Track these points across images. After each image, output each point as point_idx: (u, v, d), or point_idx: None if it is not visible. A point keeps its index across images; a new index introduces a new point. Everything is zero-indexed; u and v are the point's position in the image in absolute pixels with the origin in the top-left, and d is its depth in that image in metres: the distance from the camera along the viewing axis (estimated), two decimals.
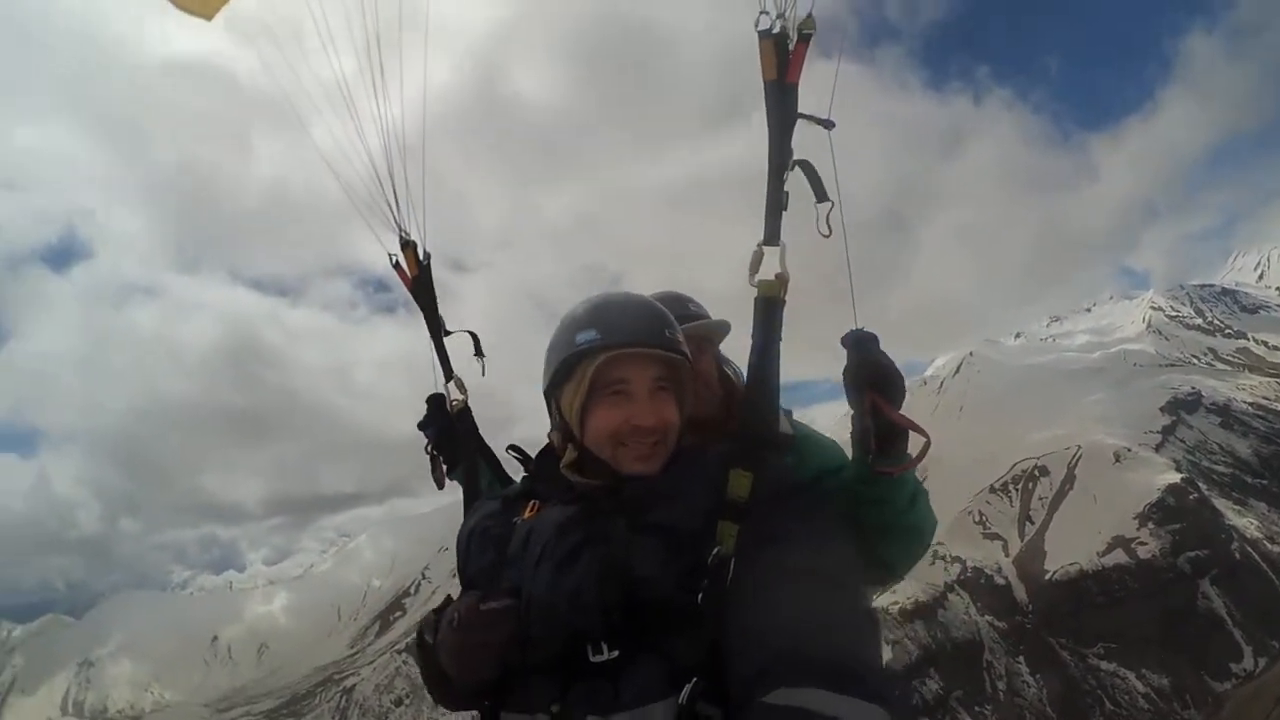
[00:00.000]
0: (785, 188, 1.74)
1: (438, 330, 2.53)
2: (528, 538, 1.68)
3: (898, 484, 1.78)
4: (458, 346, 2.58)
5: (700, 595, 1.43)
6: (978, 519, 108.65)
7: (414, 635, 1.80)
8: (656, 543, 1.51)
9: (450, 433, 2.52)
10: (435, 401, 2.59)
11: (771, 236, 1.74)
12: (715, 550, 1.46)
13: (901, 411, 1.66)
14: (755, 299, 1.73)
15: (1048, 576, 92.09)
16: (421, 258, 2.59)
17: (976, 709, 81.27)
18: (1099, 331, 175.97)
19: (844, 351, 1.77)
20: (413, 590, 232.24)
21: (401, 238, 2.60)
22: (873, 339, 1.75)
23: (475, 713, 1.70)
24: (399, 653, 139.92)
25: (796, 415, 2.15)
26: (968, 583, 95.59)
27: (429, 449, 2.58)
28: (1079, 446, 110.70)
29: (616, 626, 1.45)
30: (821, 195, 1.74)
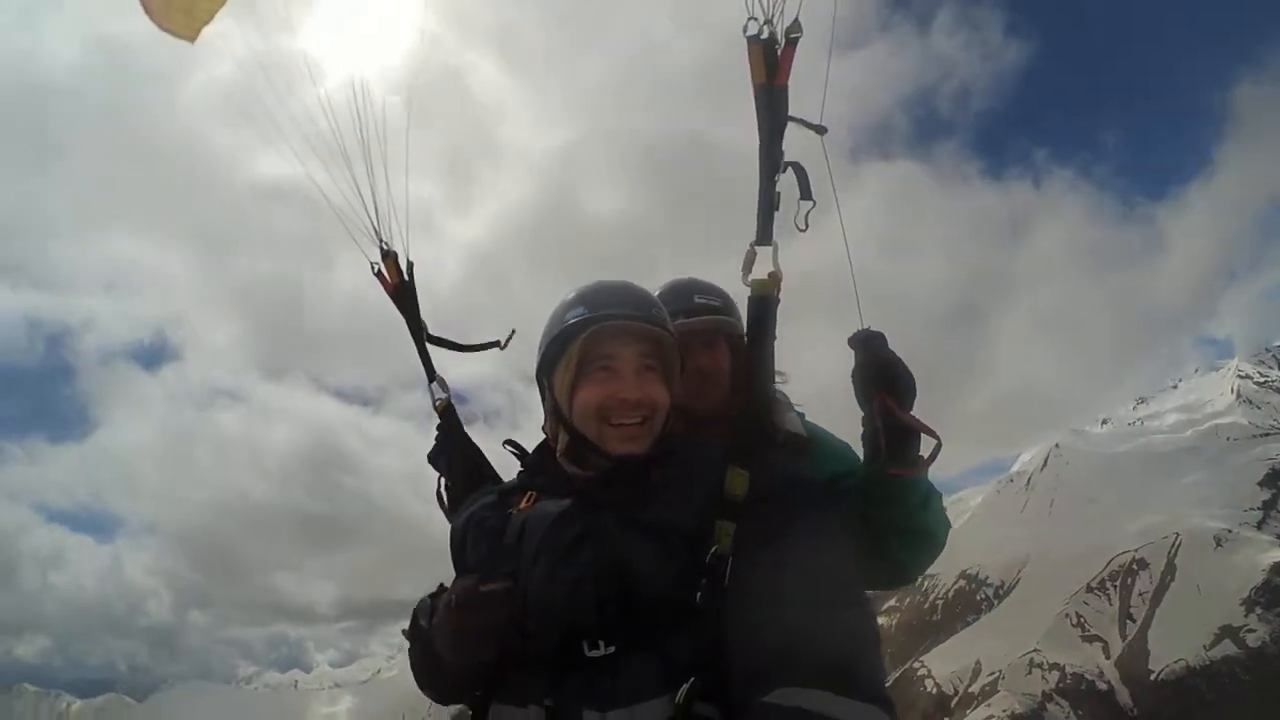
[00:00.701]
0: (777, 189, 1.76)
1: (420, 335, 2.60)
2: (523, 529, 1.67)
3: (910, 485, 1.82)
4: (437, 351, 2.64)
5: (698, 594, 1.43)
6: (1075, 621, 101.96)
7: (409, 619, 1.77)
8: (653, 539, 1.52)
9: (460, 477, 2.47)
10: (443, 429, 2.56)
11: (764, 236, 1.77)
12: (713, 549, 1.46)
13: (916, 414, 1.68)
14: (749, 297, 1.76)
15: (1153, 677, 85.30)
16: (404, 266, 2.65)
17: None
18: (1187, 408, 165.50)
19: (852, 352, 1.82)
20: None
21: (382, 247, 2.67)
22: (880, 338, 1.80)
23: (464, 707, 1.71)
24: None
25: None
26: (1068, 690, 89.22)
27: (443, 485, 2.53)
28: (1177, 534, 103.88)
29: (613, 622, 1.45)
30: (806, 194, 1.78)
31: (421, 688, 1.80)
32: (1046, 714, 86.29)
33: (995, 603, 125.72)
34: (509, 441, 1.91)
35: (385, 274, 2.66)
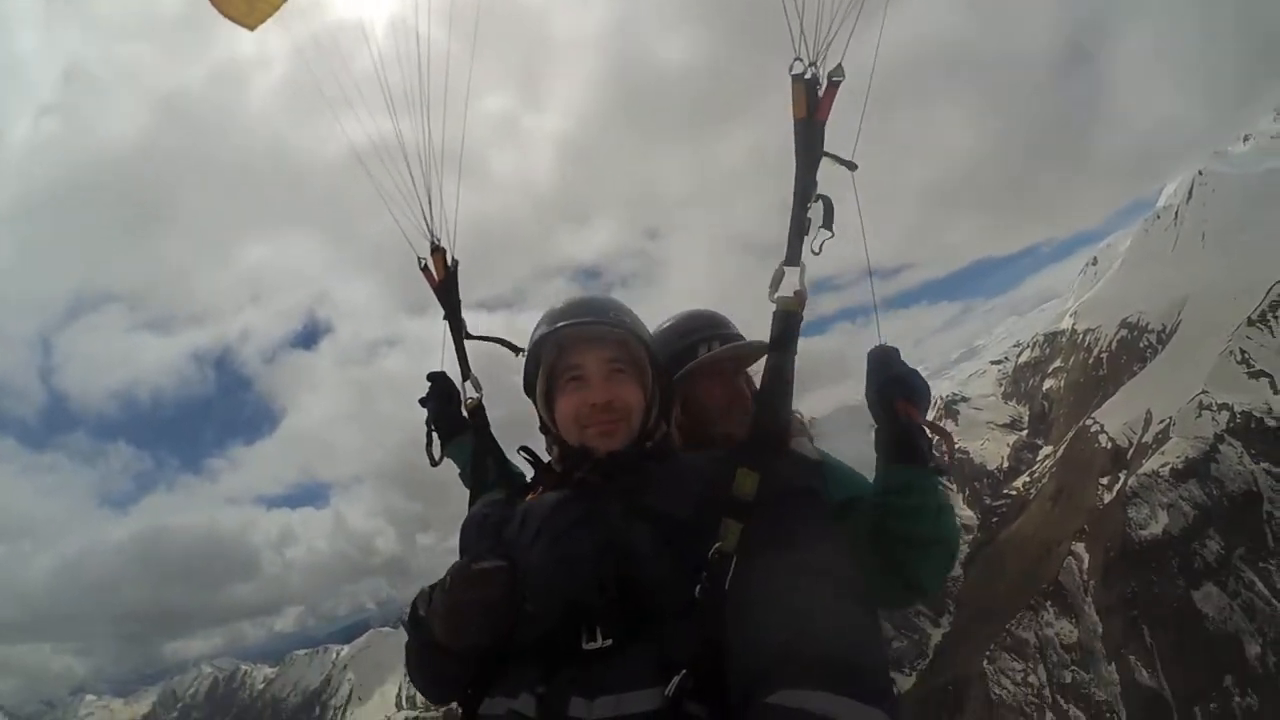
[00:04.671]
0: (808, 215, 1.86)
1: (459, 332, 2.67)
2: (524, 517, 1.76)
3: (929, 491, 1.88)
4: (475, 348, 2.70)
5: (699, 590, 1.44)
6: (1239, 358, 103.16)
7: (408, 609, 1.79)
8: (654, 525, 1.56)
9: (448, 411, 2.69)
10: (436, 379, 2.76)
11: (793, 258, 1.86)
12: (716, 546, 1.48)
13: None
14: (774, 314, 1.84)
15: None
16: (449, 263, 2.74)
17: (1261, 565, 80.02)
18: None
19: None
20: None
21: (432, 243, 2.75)
22: (895, 352, 1.91)
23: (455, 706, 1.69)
24: None
25: None
26: (1238, 430, 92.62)
27: (427, 423, 2.70)
28: None
29: (611, 607, 1.46)
30: (828, 225, 1.87)
31: (416, 684, 1.83)
32: (1219, 455, 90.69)
33: (1159, 349, 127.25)
34: (524, 448, 2.01)
35: (432, 269, 2.76)
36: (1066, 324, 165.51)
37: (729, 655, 1.37)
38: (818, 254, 1.86)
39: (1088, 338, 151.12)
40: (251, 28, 2.90)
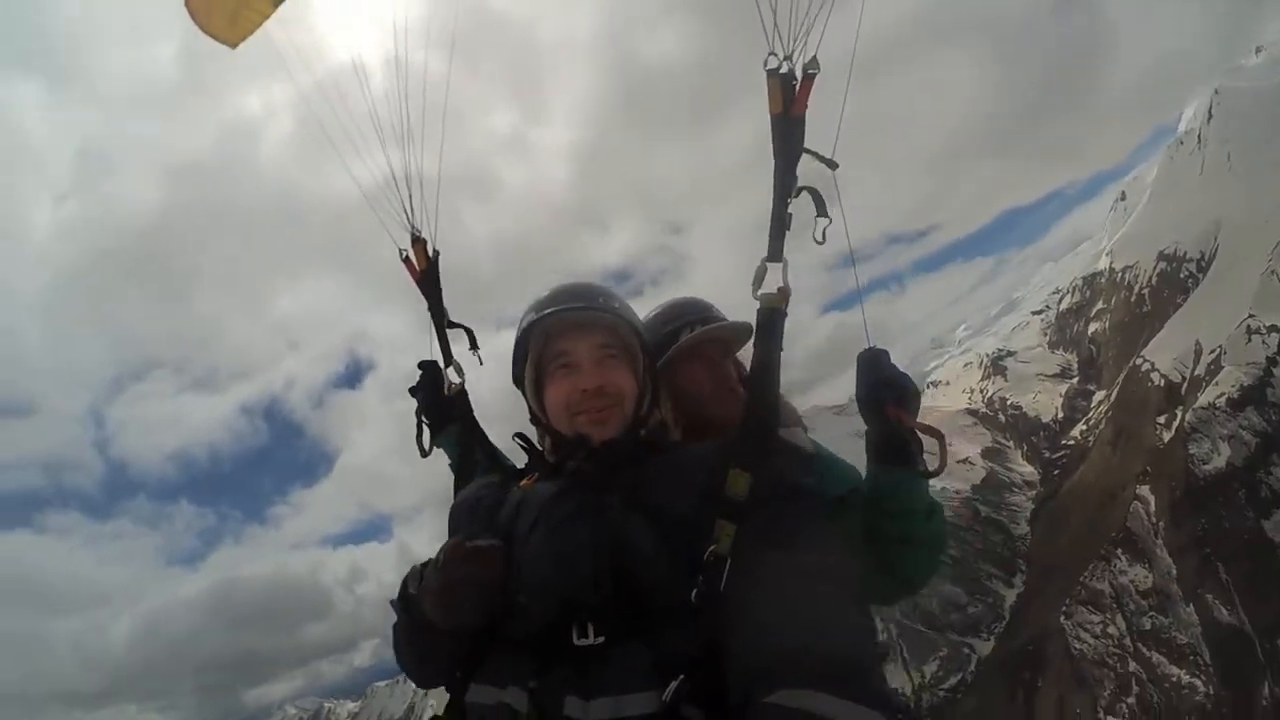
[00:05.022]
0: (789, 210, 1.83)
1: (441, 320, 2.68)
2: (519, 506, 1.72)
3: (918, 494, 1.88)
4: (457, 336, 2.71)
5: (694, 592, 1.42)
6: None
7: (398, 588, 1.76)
8: (653, 523, 1.53)
9: (438, 400, 2.64)
10: (426, 368, 2.69)
11: (775, 254, 1.83)
12: (711, 548, 1.46)
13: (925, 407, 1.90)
14: (758, 310, 1.82)
15: None
16: (430, 254, 2.74)
17: None
18: None
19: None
20: None
21: (413, 234, 2.74)
22: (885, 354, 1.88)
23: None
24: None
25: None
26: None
27: (417, 413, 2.66)
28: None
29: (605, 603, 1.44)
30: (823, 212, 1.84)
31: (403, 666, 1.81)
32: (1274, 379, 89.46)
33: (1199, 278, 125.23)
34: (518, 435, 1.95)
35: (413, 259, 2.75)
36: (1103, 264, 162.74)
37: (727, 656, 1.36)
38: (822, 243, 1.86)
39: (1126, 275, 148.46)
40: (234, 45, 2.91)
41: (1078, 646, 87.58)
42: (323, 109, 2.67)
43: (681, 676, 1.34)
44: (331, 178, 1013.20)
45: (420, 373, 2.71)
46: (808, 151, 1.85)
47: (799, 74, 1.85)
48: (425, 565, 1.67)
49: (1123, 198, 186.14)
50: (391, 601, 1.76)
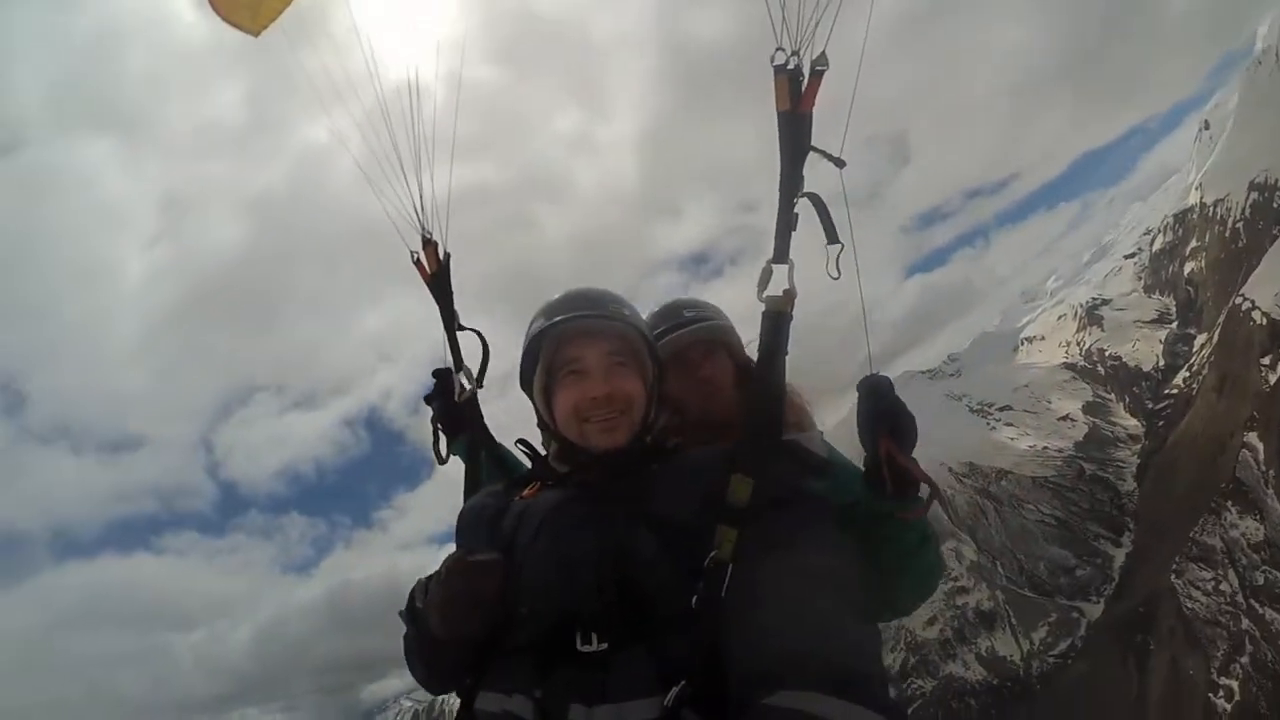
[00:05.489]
0: (795, 210, 1.81)
1: (451, 324, 2.64)
2: (523, 514, 1.72)
3: (906, 528, 1.80)
4: (469, 341, 2.64)
5: (695, 599, 1.43)
6: None
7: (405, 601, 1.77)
8: (656, 532, 1.53)
9: (453, 408, 2.60)
10: (441, 376, 2.66)
11: (780, 255, 1.81)
12: (712, 555, 1.46)
13: (910, 459, 1.66)
14: (763, 313, 1.80)
15: None
16: (441, 256, 2.69)
17: None
18: None
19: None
20: None
21: (424, 236, 2.69)
22: (887, 383, 1.76)
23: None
24: None
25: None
26: None
27: (433, 421, 2.64)
28: None
29: (608, 611, 1.45)
30: (832, 237, 1.80)
31: (414, 675, 1.83)
32: None
33: None
34: (521, 441, 1.95)
35: (424, 262, 2.70)
36: (1193, 199, 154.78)
37: (728, 659, 1.36)
38: (838, 278, 1.82)
39: (1218, 209, 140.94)
40: (256, 33, 2.91)
41: (1189, 606, 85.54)
42: (331, 105, 2.63)
43: (683, 682, 1.34)
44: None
45: (435, 381, 2.70)
46: (814, 149, 1.82)
47: (806, 70, 1.82)
48: (430, 578, 1.69)
49: (1206, 126, 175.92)
50: (400, 613, 1.78)
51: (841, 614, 1.37)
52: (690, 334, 2.29)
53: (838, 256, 1.81)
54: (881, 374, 1.76)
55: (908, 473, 1.67)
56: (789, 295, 1.80)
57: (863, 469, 1.76)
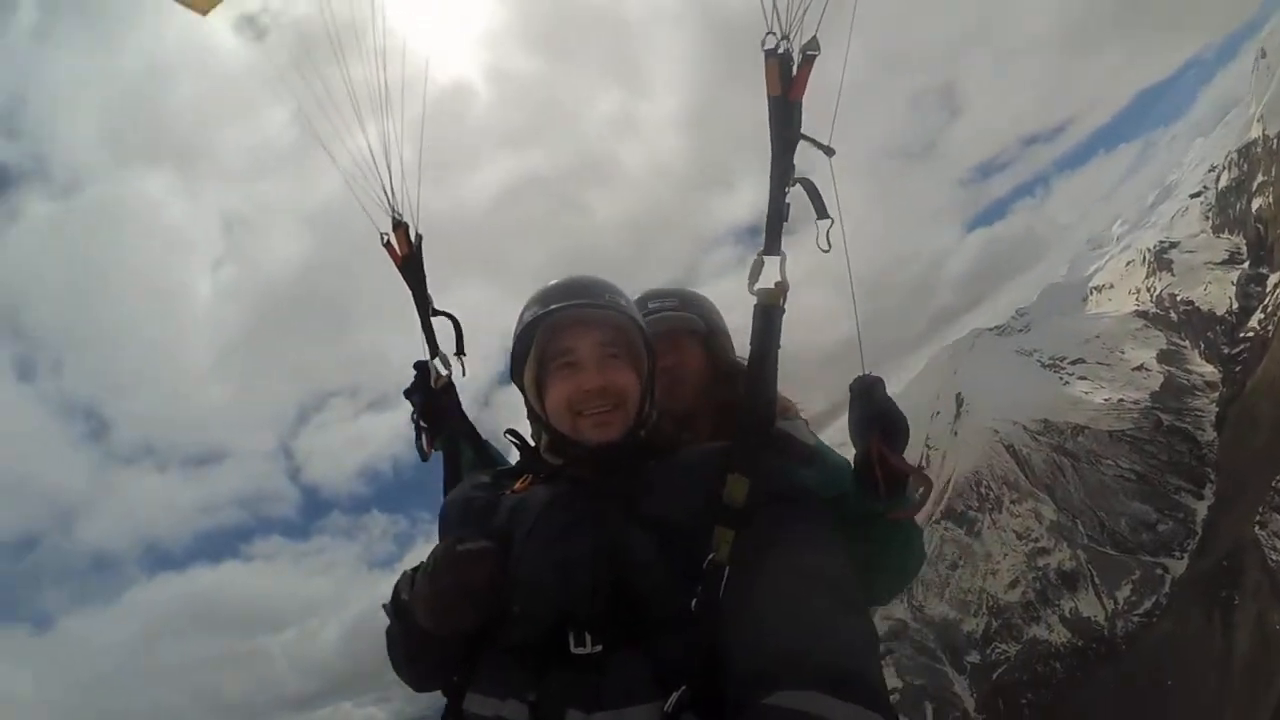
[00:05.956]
0: (787, 200, 1.79)
1: (425, 308, 2.56)
2: (515, 510, 1.67)
3: (892, 528, 1.82)
4: (444, 326, 2.57)
5: (694, 601, 1.41)
6: None
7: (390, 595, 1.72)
8: (652, 532, 1.50)
9: (436, 402, 2.52)
10: (420, 369, 2.57)
11: (772, 247, 1.79)
12: (710, 557, 1.44)
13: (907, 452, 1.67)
14: (754, 306, 1.77)
15: None
16: (413, 238, 2.60)
17: None
18: None
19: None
20: None
21: (394, 218, 2.59)
22: (879, 383, 1.75)
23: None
24: None
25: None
26: None
27: (414, 417, 2.56)
28: None
29: (603, 613, 1.42)
30: (822, 212, 1.77)
31: (398, 672, 1.78)
32: None
33: None
34: (510, 431, 1.90)
35: (395, 245, 2.62)
36: (1255, 132, 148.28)
37: (726, 658, 1.34)
38: (828, 251, 1.80)
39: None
40: (204, 12, 2.87)
41: (1275, 558, 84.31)
42: (294, 79, 2.51)
43: (683, 687, 1.32)
44: (457, 189, 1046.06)
45: (415, 374, 2.60)
46: (804, 137, 1.80)
47: (797, 55, 1.79)
48: (416, 570, 1.66)
49: (1263, 55, 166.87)
50: (384, 606, 1.73)
51: (837, 613, 1.36)
52: (654, 324, 2.23)
53: (828, 231, 1.80)
54: (873, 375, 1.79)
55: (899, 473, 1.71)
56: (781, 288, 1.78)
57: (853, 466, 1.82)
